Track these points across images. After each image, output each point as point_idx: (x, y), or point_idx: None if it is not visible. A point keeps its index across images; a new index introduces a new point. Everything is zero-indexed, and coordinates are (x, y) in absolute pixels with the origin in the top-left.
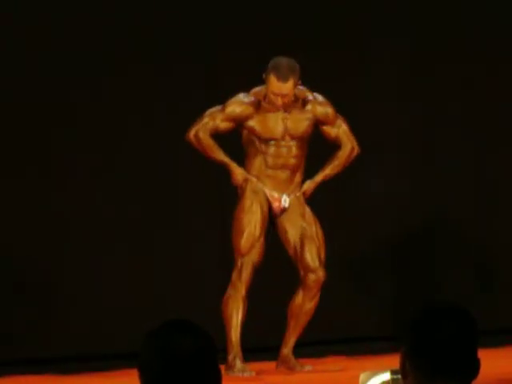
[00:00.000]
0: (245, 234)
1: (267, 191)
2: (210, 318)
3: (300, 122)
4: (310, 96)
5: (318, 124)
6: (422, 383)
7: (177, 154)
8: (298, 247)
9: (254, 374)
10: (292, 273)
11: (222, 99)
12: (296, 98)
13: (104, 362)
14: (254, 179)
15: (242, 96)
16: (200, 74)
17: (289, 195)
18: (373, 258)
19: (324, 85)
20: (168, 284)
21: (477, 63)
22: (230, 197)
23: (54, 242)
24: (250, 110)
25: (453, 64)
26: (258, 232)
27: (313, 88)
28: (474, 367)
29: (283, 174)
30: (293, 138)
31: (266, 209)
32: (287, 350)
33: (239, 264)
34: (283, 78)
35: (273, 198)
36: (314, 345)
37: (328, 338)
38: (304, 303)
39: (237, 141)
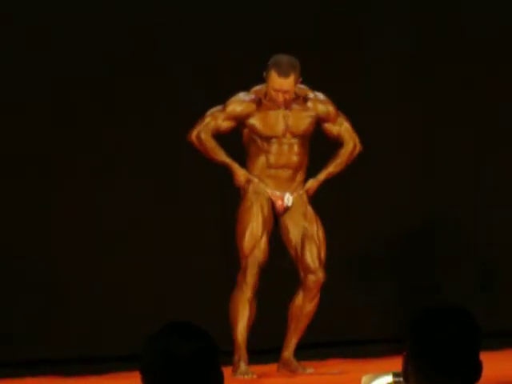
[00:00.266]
0: (247, 235)
1: (269, 191)
2: (211, 319)
3: (301, 120)
4: (310, 94)
5: (319, 122)
6: None
7: (177, 153)
8: (299, 247)
9: (255, 376)
10: (294, 274)
11: (222, 99)
12: (297, 96)
13: (104, 364)
14: (256, 180)
15: (242, 95)
16: (200, 74)
17: (291, 194)
18: (373, 260)
19: (324, 85)
20: (169, 285)
21: (477, 63)
22: (232, 197)
23: (53, 242)
24: (251, 107)
25: (453, 64)
26: (259, 232)
27: (313, 88)
28: (475, 370)
29: (285, 173)
30: (294, 135)
31: (268, 209)
32: (288, 352)
33: (244, 265)
34: (284, 74)
35: (275, 196)
36: (315, 347)
37: (330, 341)
38: (304, 304)
39: (238, 141)
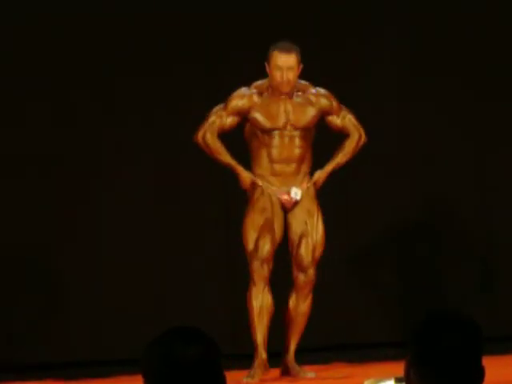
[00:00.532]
0: (252, 236)
1: (275, 189)
2: (211, 320)
3: (303, 113)
4: (312, 89)
5: (323, 116)
6: None
7: (177, 153)
8: (296, 243)
9: (257, 380)
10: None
11: (222, 99)
12: (298, 90)
13: (105, 367)
14: (261, 182)
15: (243, 89)
16: (200, 74)
17: (298, 187)
18: (374, 261)
19: (324, 85)
20: (169, 285)
21: (477, 63)
22: (233, 196)
23: (54, 243)
24: (253, 101)
25: (453, 64)
26: (264, 231)
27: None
28: (478, 375)
29: (289, 168)
30: (295, 128)
31: (273, 208)
32: (289, 356)
33: (253, 266)
34: (286, 51)
35: (281, 193)
36: (317, 351)
37: (332, 345)
38: (298, 304)
39: (240, 139)
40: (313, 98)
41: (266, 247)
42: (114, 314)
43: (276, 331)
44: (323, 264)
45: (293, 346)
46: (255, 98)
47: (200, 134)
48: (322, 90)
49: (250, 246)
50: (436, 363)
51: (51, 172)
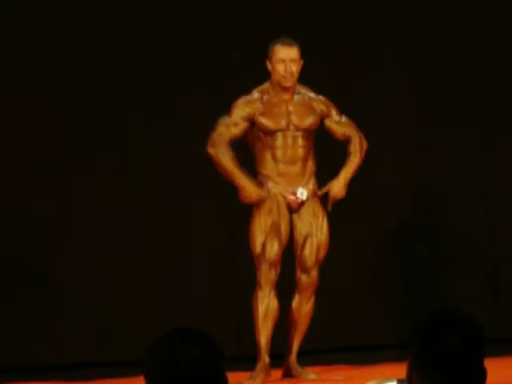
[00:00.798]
0: (259, 239)
1: (280, 187)
2: (211, 320)
3: (304, 115)
4: (312, 94)
5: (322, 120)
6: None
7: (177, 153)
8: (300, 245)
9: (259, 382)
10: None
11: (222, 99)
12: (299, 91)
13: (105, 368)
14: (267, 194)
15: (244, 97)
16: (200, 74)
17: (304, 187)
18: (374, 262)
19: (324, 85)
20: (170, 286)
21: (477, 63)
22: (236, 196)
23: (53, 243)
24: (256, 105)
25: (453, 64)
26: (272, 234)
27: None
28: (480, 377)
29: (294, 168)
30: (298, 128)
31: (280, 209)
32: (292, 357)
33: (260, 270)
34: (288, 44)
35: (287, 193)
36: (319, 353)
37: (334, 346)
38: (301, 306)
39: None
40: (313, 103)
41: (274, 250)
42: (114, 315)
43: (278, 333)
44: (324, 265)
45: (295, 347)
46: (258, 103)
47: (212, 151)
48: (321, 97)
49: (258, 249)
50: (438, 364)
51: (51, 172)
